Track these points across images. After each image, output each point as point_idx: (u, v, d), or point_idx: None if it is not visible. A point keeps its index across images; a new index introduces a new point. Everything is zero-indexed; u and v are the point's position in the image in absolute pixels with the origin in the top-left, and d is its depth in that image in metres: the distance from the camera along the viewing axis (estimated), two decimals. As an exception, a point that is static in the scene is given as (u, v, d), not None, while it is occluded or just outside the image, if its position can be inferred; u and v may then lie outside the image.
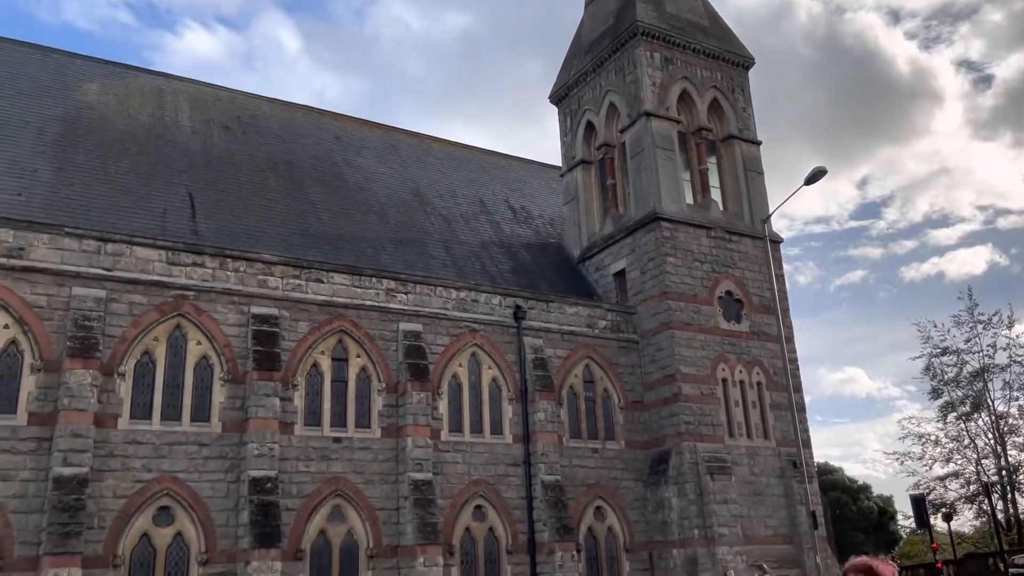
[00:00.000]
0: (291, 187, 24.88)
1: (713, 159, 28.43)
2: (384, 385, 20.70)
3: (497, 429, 22.12)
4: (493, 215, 29.03)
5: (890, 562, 4.38)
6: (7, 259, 17.04)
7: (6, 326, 16.85)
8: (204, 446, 18.12)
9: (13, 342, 16.86)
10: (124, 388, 17.63)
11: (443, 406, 21.40)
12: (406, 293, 21.77)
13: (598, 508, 23.01)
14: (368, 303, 21.06)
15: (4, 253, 17.05)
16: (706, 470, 23.05)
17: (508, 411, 22.42)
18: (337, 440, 19.72)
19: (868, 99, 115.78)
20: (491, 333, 22.79)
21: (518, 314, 23.19)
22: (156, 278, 18.53)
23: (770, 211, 26.91)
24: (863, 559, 4.40)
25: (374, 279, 21.40)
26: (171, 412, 18.07)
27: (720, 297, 25.83)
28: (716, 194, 27.89)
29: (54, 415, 16.56)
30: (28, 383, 16.73)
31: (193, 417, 18.27)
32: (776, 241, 27.67)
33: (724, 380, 24.93)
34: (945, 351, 38.12)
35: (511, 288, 24.26)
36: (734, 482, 23.44)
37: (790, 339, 25.95)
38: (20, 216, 18.09)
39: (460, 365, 22.12)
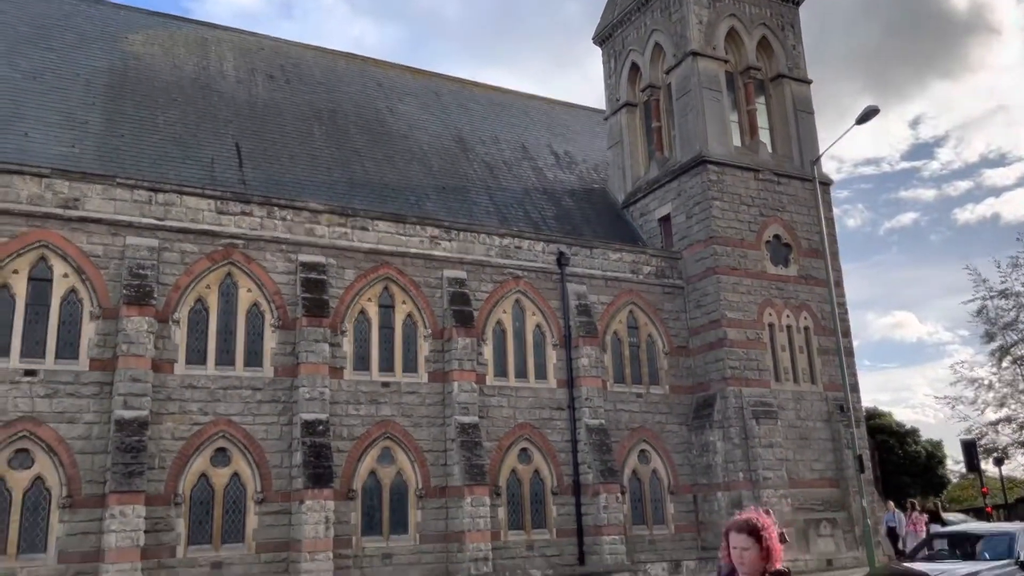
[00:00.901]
0: (335, 135, 24.98)
1: (762, 99, 27.73)
2: (430, 331, 20.98)
3: (541, 374, 22.33)
4: (536, 161, 28.84)
5: (767, 513, 4.29)
6: (63, 209, 17.52)
7: (65, 275, 17.41)
8: (257, 390, 18.65)
9: (73, 290, 17.43)
10: (179, 335, 18.16)
11: (488, 352, 21.65)
12: (450, 240, 21.88)
13: (642, 451, 23.23)
14: (413, 250, 21.23)
15: (60, 204, 17.52)
16: (752, 414, 23.06)
17: (552, 356, 22.59)
18: (385, 384, 20.12)
19: (922, 34, 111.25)
20: (535, 280, 22.85)
21: (561, 261, 23.18)
22: (206, 227, 18.89)
23: (820, 152, 26.26)
24: (744, 516, 4.28)
25: (418, 227, 21.53)
26: (225, 358, 18.59)
27: (768, 241, 25.46)
28: (764, 135, 27.27)
29: (114, 360, 17.17)
30: (88, 330, 17.33)
31: (246, 362, 18.78)
32: (826, 183, 27.06)
33: (771, 325, 24.73)
34: (1002, 293, 37.13)
35: (554, 234, 24.21)
36: (780, 426, 23.43)
37: (839, 283, 25.57)
38: (74, 167, 18.51)
39: (504, 311, 22.28)
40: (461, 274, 21.68)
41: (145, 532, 16.25)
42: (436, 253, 21.53)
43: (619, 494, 21.47)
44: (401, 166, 25.01)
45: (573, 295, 23.13)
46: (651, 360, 24.27)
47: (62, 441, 16.46)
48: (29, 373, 16.56)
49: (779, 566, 4.19)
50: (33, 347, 16.79)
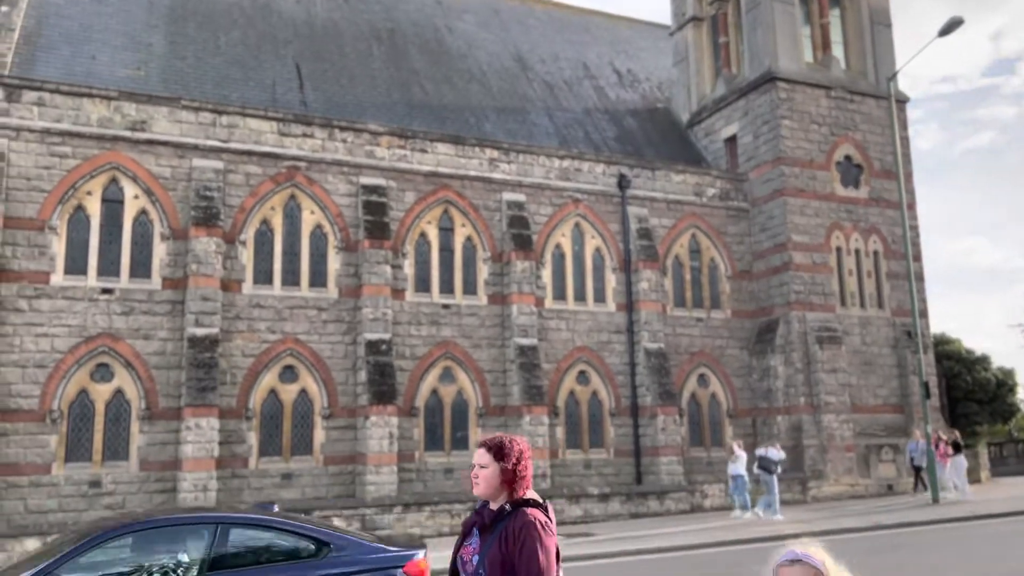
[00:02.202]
0: (394, 55, 24.73)
1: (836, 11, 26.34)
2: (489, 254, 21.05)
3: (600, 298, 22.30)
4: (597, 79, 28.14)
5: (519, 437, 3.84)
6: (132, 132, 17.88)
7: (136, 196, 17.89)
8: (322, 310, 19.10)
9: (143, 211, 17.94)
10: (246, 255, 18.61)
11: (547, 275, 21.65)
12: (509, 163, 21.69)
13: (701, 375, 23.19)
14: (472, 173, 21.14)
15: (128, 126, 17.89)
16: (815, 339, 22.73)
17: (611, 280, 22.49)
18: (446, 306, 20.38)
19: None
20: (594, 203, 22.59)
21: (622, 183, 22.81)
22: (269, 149, 19.09)
23: (897, 68, 24.99)
24: (496, 436, 3.85)
25: (477, 148, 21.37)
26: (290, 278, 19.03)
27: (838, 162, 24.57)
28: (838, 50, 26.01)
29: (184, 280, 17.74)
30: (159, 250, 17.88)
31: (311, 283, 19.19)
32: (902, 101, 25.83)
33: (838, 248, 24.09)
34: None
35: (615, 156, 23.77)
36: (844, 351, 23.06)
37: (911, 205, 24.65)
38: (140, 90, 18.80)
39: (563, 235, 22.15)
40: (520, 197, 21.55)
41: (219, 443, 17.04)
42: (495, 176, 21.40)
43: (677, 416, 21.58)
44: (460, 86, 24.71)
45: (634, 218, 22.83)
46: (713, 284, 23.97)
47: (139, 356, 17.23)
48: (106, 291, 17.25)
49: (525, 495, 3.72)
50: (109, 266, 17.44)
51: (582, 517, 18.70)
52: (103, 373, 17.03)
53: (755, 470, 19.03)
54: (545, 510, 3.75)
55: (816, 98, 24.56)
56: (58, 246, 17.03)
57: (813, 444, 22.37)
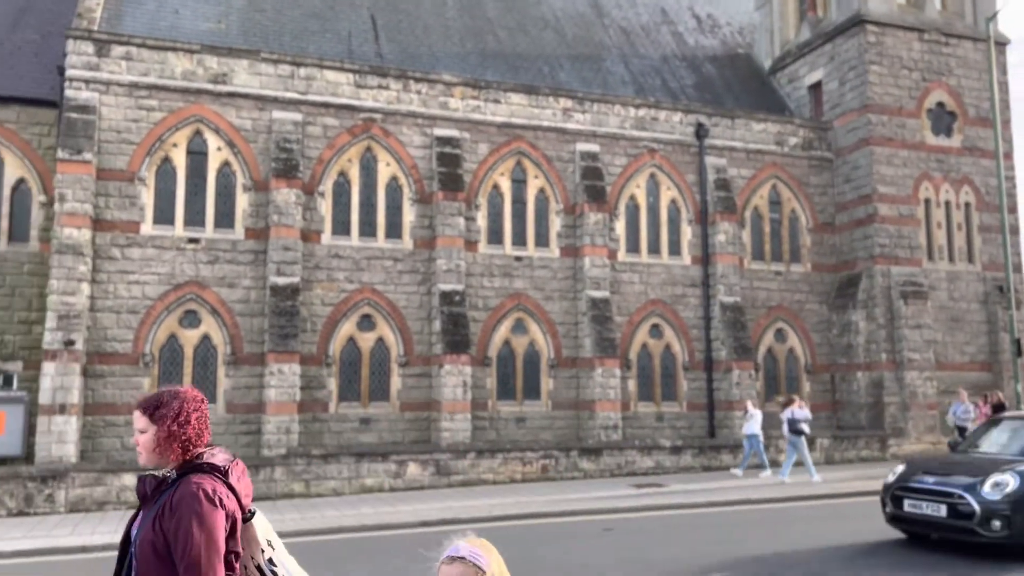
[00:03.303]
0: (468, 4, 24.50)
1: (933, -52, 24.82)
2: (562, 206, 20.93)
3: (675, 250, 21.98)
4: (675, 25, 27.33)
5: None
6: (214, 85, 18.31)
7: (219, 148, 18.39)
8: (398, 261, 19.41)
9: (226, 163, 18.43)
10: (324, 206, 18.98)
11: (620, 227, 21.44)
12: (583, 112, 21.39)
13: (779, 330, 22.74)
14: (545, 123, 20.94)
15: (210, 79, 18.31)
16: (899, 294, 21.98)
17: (687, 232, 22.12)
18: (518, 259, 20.43)
19: None
20: (671, 153, 22.14)
21: (700, 132, 22.26)
22: (346, 101, 19.29)
23: (996, 7, 23.47)
24: (153, 393, 3.27)
25: (551, 98, 21.12)
26: (367, 229, 19.35)
27: (929, 109, 23.40)
28: (934, -10, 24.57)
29: (266, 230, 18.24)
30: (242, 201, 18.39)
31: (387, 234, 19.48)
32: (1002, 43, 24.28)
33: (927, 200, 23.09)
34: None
35: (693, 104, 23.17)
36: (930, 307, 22.25)
37: (1008, 155, 23.34)
38: (221, 43, 19.17)
39: (638, 186, 21.84)
40: (594, 147, 21.28)
41: (300, 389, 17.65)
42: (569, 126, 21.15)
43: (752, 371, 21.28)
44: (534, 34, 24.37)
45: (711, 169, 22.31)
46: (793, 237, 23.33)
47: (224, 304, 17.89)
48: (192, 241, 17.89)
49: (200, 457, 3.15)
50: (194, 216, 18.05)
51: (653, 468, 18.75)
52: (191, 319, 17.77)
53: (785, 434, 18.22)
54: (224, 475, 3.12)
55: (908, 42, 23.34)
56: (147, 197, 17.69)
57: (894, 401, 21.79)
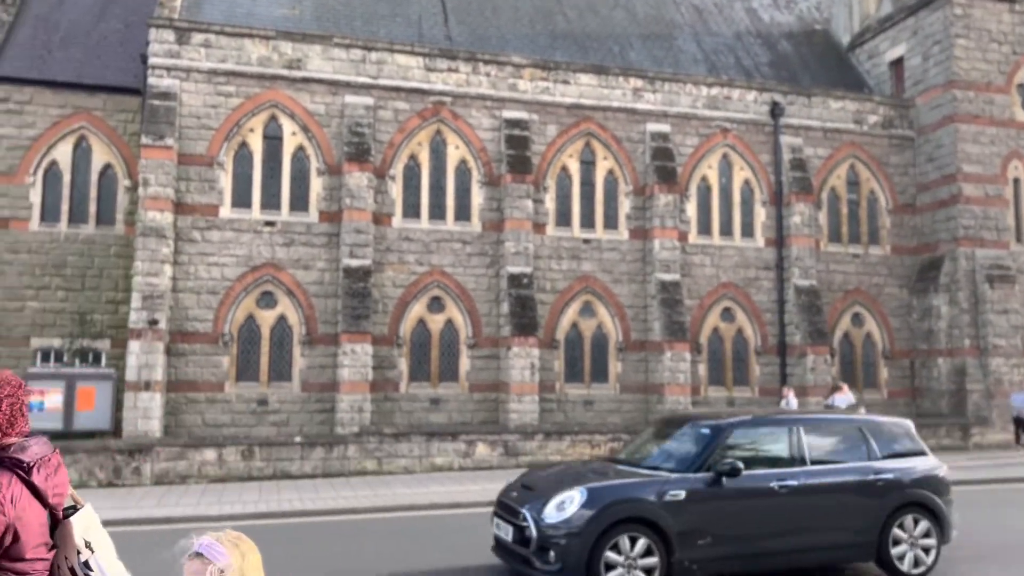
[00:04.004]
0: (536, -15, 24.31)
1: (1028, -87, 23.51)
2: (631, 188, 20.71)
3: (748, 232, 21.53)
4: (750, 1, 26.61)
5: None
6: (288, 70, 18.67)
7: (293, 133, 18.77)
8: (467, 243, 19.53)
9: (301, 147, 18.81)
10: (395, 190, 19.21)
11: (691, 209, 21.10)
12: (653, 92, 21.07)
13: (856, 314, 22.10)
14: (615, 104, 20.71)
15: (285, 65, 18.67)
16: (985, 278, 21.09)
17: (761, 214, 21.63)
18: (586, 241, 20.32)
19: None
20: (744, 132, 21.64)
21: (775, 111, 21.68)
22: (416, 85, 19.43)
23: (1100, -26, 22.16)
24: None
25: (620, 78, 20.86)
26: (437, 212, 19.51)
27: (1020, 84, 22.29)
28: (1028, -43, 23.30)
29: (339, 213, 18.57)
30: (316, 185, 18.76)
31: (456, 217, 19.61)
32: (1104, 12, 22.91)
33: (1016, 180, 22.04)
34: None
35: (768, 82, 22.57)
36: (1018, 291, 21.30)
37: (1109, 131, 22.08)
38: (295, 29, 19.51)
39: (710, 167, 21.43)
40: (665, 128, 20.96)
41: (372, 368, 17.99)
42: (639, 106, 20.87)
43: (828, 356, 20.75)
44: (604, 14, 24.06)
45: (787, 148, 21.73)
46: (871, 218, 22.59)
47: (299, 285, 18.32)
48: (268, 224, 18.35)
49: (2, 448, 2.93)
50: (270, 200, 18.49)
51: (724, 454, 18.53)
52: (267, 300, 18.26)
53: None
54: (27, 471, 2.91)
55: (997, 13, 22.22)
56: (225, 181, 18.20)
57: (977, 389, 20.97)
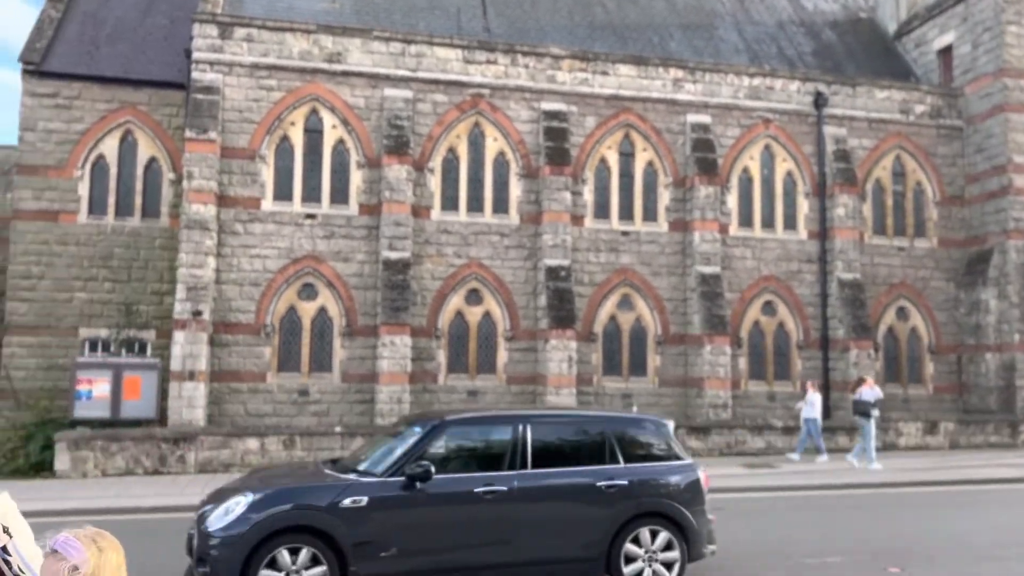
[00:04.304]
0: (575, -24, 24.16)
1: None
2: (671, 179, 20.52)
3: (790, 224, 21.21)
4: (793, -10, 26.14)
5: None
6: (329, 64, 18.80)
7: (334, 126, 18.91)
8: (504, 236, 19.53)
9: (341, 140, 18.95)
10: (434, 182, 19.27)
11: (732, 200, 20.84)
12: (694, 82, 20.83)
13: (901, 308, 21.66)
14: (654, 95, 20.52)
15: (326, 58, 18.81)
16: (1036, 272, 20.54)
17: (803, 206, 21.29)
18: (625, 233, 20.19)
19: None
20: (787, 123, 21.30)
21: (819, 101, 21.30)
22: (454, 77, 19.45)
23: None
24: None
25: (660, 69, 20.66)
26: (475, 205, 19.54)
27: (1076, 71, 21.59)
28: (1085, -60, 22.54)
29: (378, 206, 18.68)
30: (356, 178, 18.89)
31: (494, 209, 19.62)
32: None
33: (1071, 171, 21.38)
34: None
35: (811, 72, 22.18)
36: (1071, 286, 20.70)
37: None
38: (335, 22, 19.64)
39: (751, 158, 21.14)
40: (705, 119, 20.71)
41: (411, 360, 18.10)
42: (679, 97, 20.65)
43: (871, 350, 20.38)
44: (643, 4, 23.83)
45: (831, 139, 21.35)
46: (917, 210, 22.11)
47: (339, 277, 18.49)
48: (309, 216, 18.53)
49: None
50: (311, 193, 18.67)
51: (764, 449, 18.28)
52: (308, 292, 18.46)
53: (855, 418, 17.31)
54: None
55: (1053, -2, 21.55)
56: (267, 174, 18.41)
57: (1028, 386, 20.44)
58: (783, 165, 21.29)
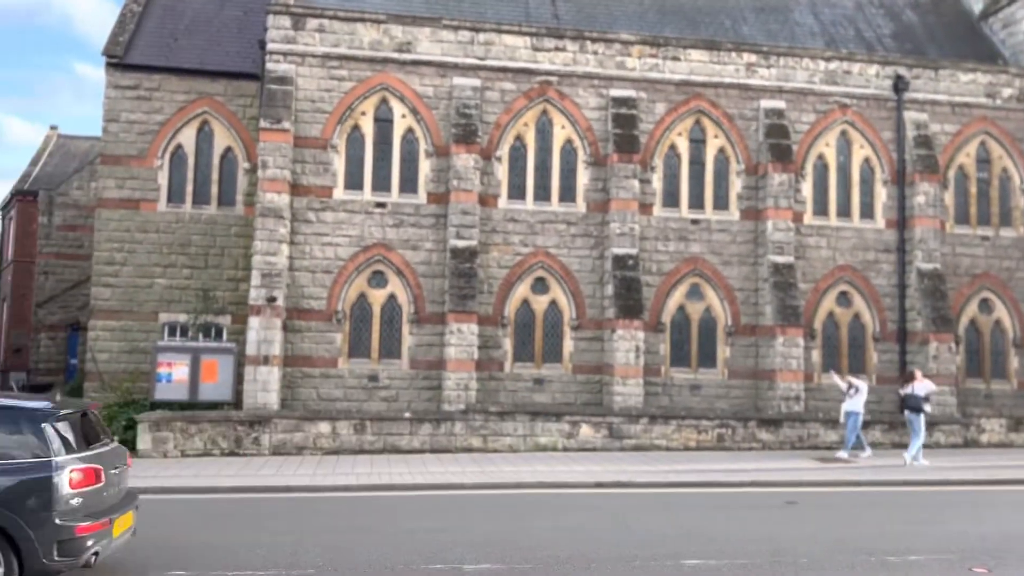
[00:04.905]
0: (645, -40, 23.79)
1: None
2: (743, 167, 20.09)
3: (867, 213, 20.56)
4: (872, -30, 25.23)
5: None
6: (399, 53, 18.95)
7: (403, 115, 19.07)
8: (571, 224, 19.43)
9: (410, 130, 19.10)
10: (501, 171, 19.27)
11: (806, 188, 20.30)
12: (768, 67, 20.32)
13: (984, 300, 20.81)
14: (727, 80, 20.09)
15: (396, 48, 18.96)
16: None
17: (881, 194, 20.61)
18: (695, 222, 19.87)
19: None
20: (864, 108, 20.62)
21: (898, 85, 20.55)
22: (522, 65, 19.38)
23: None
24: None
25: (733, 53, 20.22)
26: (542, 193, 19.48)
27: None
28: None
29: (446, 195, 18.77)
30: (424, 167, 19.03)
31: (561, 198, 19.53)
32: None
33: None
34: None
35: (891, 55, 21.40)
36: None
37: None
38: (405, 11, 19.77)
39: (827, 144, 20.55)
40: (779, 104, 20.20)
41: (478, 348, 18.18)
42: (752, 82, 20.18)
43: (952, 344, 19.63)
44: (715, -13, 23.29)
45: (911, 124, 20.58)
46: (1003, 198, 21.17)
47: (408, 265, 18.68)
48: (379, 205, 18.75)
49: None
50: (381, 182, 18.89)
51: (838, 443, 17.80)
52: (378, 279, 18.71)
53: (906, 415, 16.55)
54: None
55: None
56: (338, 163, 18.69)
57: (1123, 383, 19.44)
58: (860, 152, 20.64)
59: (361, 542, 9.04)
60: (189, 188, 20.25)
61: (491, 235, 19.02)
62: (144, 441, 15.85)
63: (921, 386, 16.32)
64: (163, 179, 20.15)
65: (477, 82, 19.11)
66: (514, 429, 17.20)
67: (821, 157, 20.48)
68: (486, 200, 19.02)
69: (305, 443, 16.35)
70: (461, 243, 18.45)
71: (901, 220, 20.35)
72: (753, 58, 20.24)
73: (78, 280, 26.19)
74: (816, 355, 19.90)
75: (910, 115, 20.59)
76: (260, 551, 8.47)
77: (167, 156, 20.18)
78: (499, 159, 19.24)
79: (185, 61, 20.64)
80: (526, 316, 19.18)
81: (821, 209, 20.37)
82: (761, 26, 22.19)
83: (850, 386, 16.79)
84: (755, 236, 19.90)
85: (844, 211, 20.46)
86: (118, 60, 20.23)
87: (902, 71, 20.69)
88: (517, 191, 19.40)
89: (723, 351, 19.67)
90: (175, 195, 20.22)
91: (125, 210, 19.92)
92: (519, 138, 19.49)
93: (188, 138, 20.33)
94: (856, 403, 16.59)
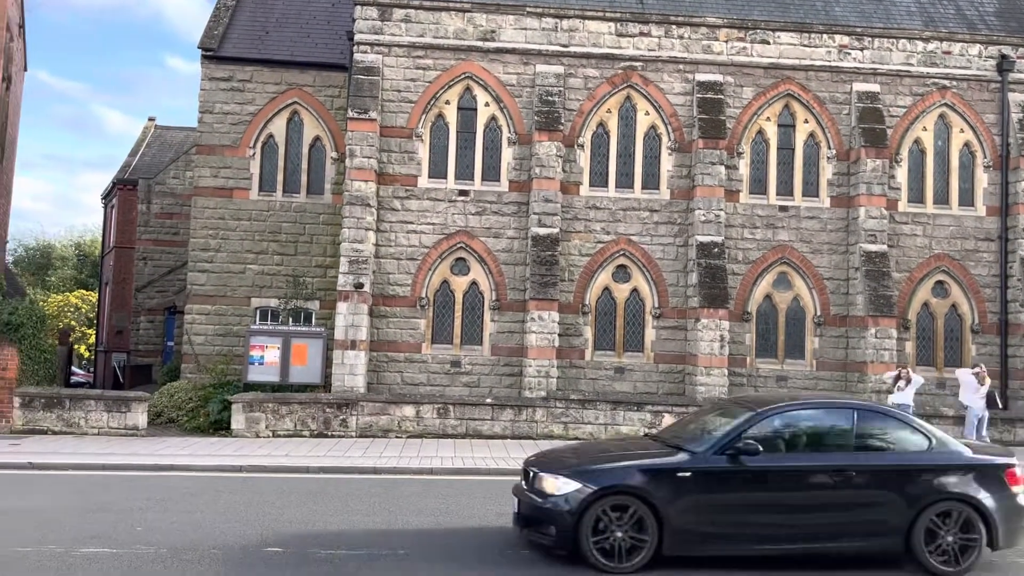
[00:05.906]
0: (732, -59, 23.18)
1: None
2: (834, 152, 19.47)
3: (967, 200, 19.67)
4: (975, -56, 23.98)
5: None
6: (483, 42, 19.04)
7: (486, 104, 19.17)
8: (654, 212, 19.22)
9: (493, 118, 19.19)
10: (583, 158, 19.19)
11: (901, 174, 19.55)
12: (861, 49, 19.61)
13: (1095, 292, 19.66)
14: (818, 63, 19.48)
15: (480, 36, 19.05)
16: None
17: (983, 180, 19.68)
18: (783, 208, 19.39)
19: None
20: (965, 90, 19.69)
21: (1003, 65, 19.54)
22: (606, 51, 19.22)
23: None
24: None
25: (824, 35, 19.58)
26: (624, 180, 19.32)
27: None
28: None
29: (528, 182, 18.82)
30: (507, 155, 19.10)
31: (643, 185, 19.33)
32: None
33: None
34: None
35: (995, 34, 20.34)
36: None
37: None
38: (489, 0, 19.79)
39: (924, 128, 19.72)
40: (873, 87, 19.48)
41: (558, 335, 18.21)
42: (844, 65, 19.51)
43: (1059, 338, 18.65)
44: (806, -32, 22.53)
45: (1016, 107, 19.57)
46: (1119, 184, 19.90)
47: (490, 252, 18.82)
48: (462, 193, 18.93)
49: None
50: (464, 170, 19.07)
51: (932, 439, 17.15)
52: (460, 267, 18.92)
53: (979, 411, 15.98)
54: None
55: None
56: (423, 152, 18.95)
57: None
58: (960, 136, 19.74)
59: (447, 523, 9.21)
60: (280, 177, 20.85)
61: (572, 223, 18.98)
62: (238, 421, 16.49)
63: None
64: (255, 168, 20.80)
65: (560, 69, 19.05)
66: (595, 417, 17.19)
67: (918, 142, 19.68)
68: (568, 188, 18.98)
69: (390, 426, 16.72)
70: (543, 231, 18.48)
71: (1004, 207, 19.41)
72: (846, 40, 19.56)
73: (174, 265, 27.31)
74: (910, 347, 19.21)
75: (1015, 96, 19.58)
76: (351, 530, 8.72)
77: (259, 146, 20.81)
78: (581, 146, 19.16)
79: (276, 53, 21.20)
80: (607, 304, 19.10)
81: (917, 196, 19.59)
82: (854, 6, 21.35)
83: (899, 377, 16.15)
84: (846, 224, 19.29)
85: (941, 198, 19.64)
86: (213, 53, 20.94)
87: (1007, 50, 19.67)
88: (599, 178, 19.30)
89: (811, 342, 19.18)
90: (266, 183, 20.85)
91: (219, 198, 20.66)
92: (602, 125, 19.36)
93: (279, 128, 20.92)
94: (906, 396, 15.92)
